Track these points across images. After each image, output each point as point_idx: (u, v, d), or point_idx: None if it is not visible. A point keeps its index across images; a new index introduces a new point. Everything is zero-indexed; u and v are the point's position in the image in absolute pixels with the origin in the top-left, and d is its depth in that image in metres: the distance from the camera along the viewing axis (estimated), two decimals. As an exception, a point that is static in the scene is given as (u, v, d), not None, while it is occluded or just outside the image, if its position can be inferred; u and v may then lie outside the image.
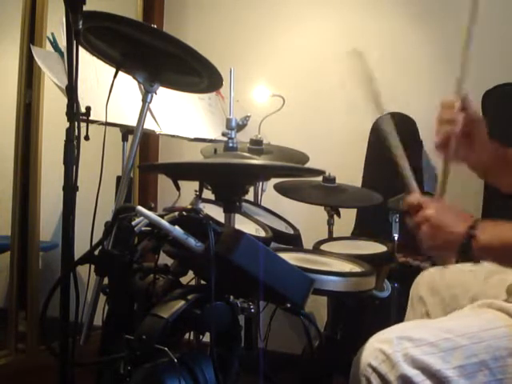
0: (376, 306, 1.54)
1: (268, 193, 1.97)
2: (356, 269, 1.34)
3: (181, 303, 0.88)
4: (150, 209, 0.91)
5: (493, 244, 0.93)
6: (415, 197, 1.05)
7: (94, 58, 1.35)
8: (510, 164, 1.15)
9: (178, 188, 1.26)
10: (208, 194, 1.27)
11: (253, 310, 0.97)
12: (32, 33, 2.01)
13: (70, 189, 1.10)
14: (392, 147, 1.14)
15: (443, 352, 0.86)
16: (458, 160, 1.15)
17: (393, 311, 1.59)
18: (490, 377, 0.86)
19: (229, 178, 1.17)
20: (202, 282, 1.07)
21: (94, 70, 1.68)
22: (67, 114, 1.11)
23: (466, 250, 0.94)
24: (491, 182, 1.19)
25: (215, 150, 1.44)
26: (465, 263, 1.12)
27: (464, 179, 1.27)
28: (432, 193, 1.82)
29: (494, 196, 1.29)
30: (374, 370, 0.85)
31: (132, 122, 1.63)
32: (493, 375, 0.86)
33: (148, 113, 1.45)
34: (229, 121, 1.30)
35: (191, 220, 0.90)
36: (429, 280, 1.26)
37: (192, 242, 0.88)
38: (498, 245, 0.93)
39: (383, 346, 0.86)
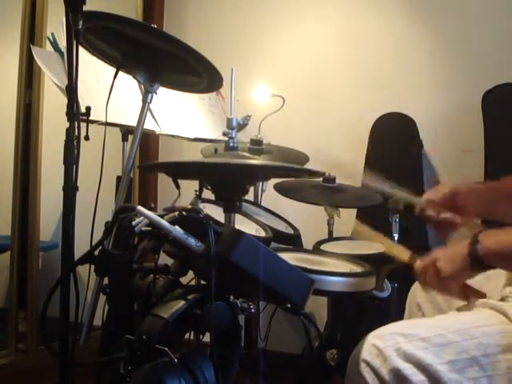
0: (376, 305, 1.54)
1: (268, 193, 1.97)
2: (356, 269, 1.34)
3: (181, 303, 0.88)
4: (150, 209, 0.91)
5: (499, 248, 0.94)
6: (421, 262, 1.06)
7: (94, 58, 1.35)
8: (505, 195, 1.16)
9: (178, 187, 1.26)
10: (208, 193, 1.27)
11: (253, 310, 0.97)
12: (32, 33, 2.01)
13: (70, 189, 1.10)
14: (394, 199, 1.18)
15: (435, 347, 0.87)
16: (464, 224, 1.19)
17: (393, 311, 1.59)
18: (481, 372, 0.87)
19: (229, 178, 1.17)
20: (202, 281, 1.06)
21: (94, 70, 1.68)
22: (67, 114, 1.11)
23: (476, 259, 0.95)
24: (497, 220, 1.21)
25: (215, 150, 1.44)
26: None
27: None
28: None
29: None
30: (368, 364, 0.87)
31: (132, 121, 1.63)
32: (483, 371, 0.87)
33: (148, 113, 1.45)
34: (230, 120, 1.30)
35: (191, 220, 0.90)
36: (425, 290, 1.27)
37: (192, 242, 0.88)
38: (504, 249, 0.94)
39: (376, 342, 0.88)
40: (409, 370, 0.85)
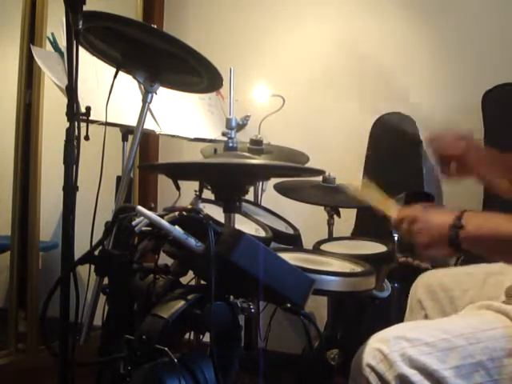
0: (376, 305, 1.54)
1: (268, 193, 1.97)
2: (356, 269, 1.34)
3: (181, 303, 0.88)
4: (150, 209, 0.91)
5: (480, 234, 0.93)
6: (401, 211, 1.06)
7: (94, 58, 1.35)
8: (509, 169, 1.16)
9: (178, 188, 1.26)
10: (208, 194, 1.27)
11: (253, 310, 0.97)
12: (32, 33, 2.01)
13: (70, 189, 1.10)
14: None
15: (440, 352, 0.86)
16: (461, 177, 1.19)
17: (393, 311, 1.59)
18: (487, 377, 0.87)
19: (229, 178, 1.17)
20: (202, 281, 1.06)
21: (94, 70, 1.68)
22: (67, 114, 1.11)
23: (455, 242, 0.94)
24: (496, 190, 1.21)
25: (215, 150, 1.44)
26: (463, 265, 1.12)
27: (464, 180, 1.28)
28: (431, 193, 1.83)
29: (493, 197, 1.29)
30: (373, 369, 0.86)
31: (132, 122, 1.63)
32: (489, 376, 0.87)
33: (148, 113, 1.45)
34: (229, 121, 1.30)
35: (191, 220, 0.90)
36: (427, 283, 1.27)
37: (192, 242, 0.88)
38: (485, 235, 0.93)
39: (381, 346, 0.87)
40: (415, 376, 0.84)
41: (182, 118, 1.98)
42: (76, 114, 1.10)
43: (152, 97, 1.36)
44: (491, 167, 1.17)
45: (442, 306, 1.20)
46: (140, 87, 1.79)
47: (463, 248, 0.94)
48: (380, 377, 0.85)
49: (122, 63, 1.32)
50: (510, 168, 1.16)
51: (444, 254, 1.00)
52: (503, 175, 1.17)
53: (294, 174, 1.47)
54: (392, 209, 1.12)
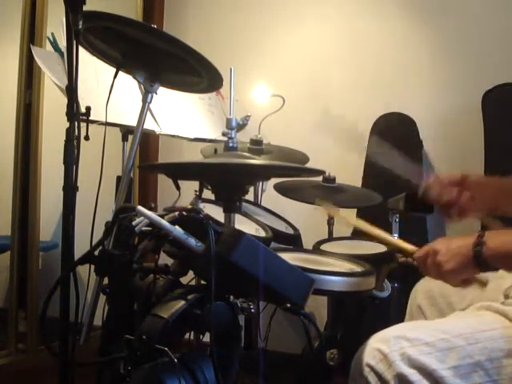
0: (376, 305, 1.54)
1: (268, 193, 1.97)
2: (356, 269, 1.34)
3: (181, 303, 0.88)
4: (150, 209, 0.91)
5: (503, 250, 0.94)
6: (417, 252, 1.06)
7: (94, 58, 1.35)
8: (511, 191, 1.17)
9: (178, 188, 1.26)
10: (208, 194, 1.27)
11: (253, 310, 0.97)
12: (32, 33, 2.01)
13: (70, 189, 1.10)
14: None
15: (439, 352, 0.87)
16: (465, 216, 1.19)
17: (393, 311, 1.59)
18: (485, 377, 0.87)
19: (229, 178, 1.17)
20: (202, 281, 1.06)
21: (94, 70, 1.68)
22: (67, 114, 1.11)
23: (480, 259, 0.94)
24: (500, 214, 1.21)
25: (215, 150, 1.44)
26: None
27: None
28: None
29: None
30: (372, 369, 0.86)
31: (132, 121, 1.63)
32: (488, 376, 0.87)
33: (148, 113, 1.45)
34: (229, 121, 1.30)
35: (191, 220, 0.90)
36: (426, 289, 1.27)
37: (192, 242, 0.88)
38: (508, 250, 0.94)
39: (381, 346, 0.87)
40: (414, 375, 0.84)
41: (182, 117, 1.98)
42: (76, 114, 1.10)
43: (152, 97, 1.36)
44: (496, 195, 1.18)
45: (441, 311, 1.20)
46: (140, 87, 1.79)
47: (490, 265, 0.95)
48: (379, 376, 0.85)
49: (122, 63, 1.32)
50: (510, 191, 1.17)
51: (473, 275, 1.00)
52: (504, 200, 1.18)
53: (294, 174, 1.47)
54: (404, 244, 1.14)
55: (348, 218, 1.33)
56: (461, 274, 1.00)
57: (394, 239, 1.19)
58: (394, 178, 1.27)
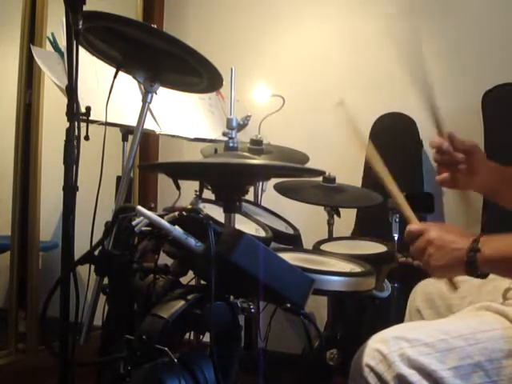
0: (376, 305, 1.54)
1: (268, 193, 1.97)
2: (356, 269, 1.34)
3: (181, 303, 0.88)
4: (150, 209, 0.91)
5: (498, 257, 0.93)
6: (414, 225, 1.05)
7: (94, 58, 1.35)
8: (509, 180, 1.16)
9: (178, 187, 1.26)
10: (208, 193, 1.27)
11: (253, 310, 0.97)
12: (32, 33, 2.01)
13: (70, 189, 1.10)
14: (383, 176, 1.15)
15: (439, 353, 0.86)
16: (463, 187, 1.19)
17: (393, 311, 1.59)
18: (485, 378, 0.86)
19: (229, 178, 1.17)
20: (202, 281, 1.06)
21: (94, 70, 1.68)
22: (67, 114, 1.11)
23: (472, 265, 0.94)
24: (495, 201, 1.21)
25: (215, 150, 1.44)
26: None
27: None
28: (431, 193, 1.82)
29: (493, 207, 1.30)
30: (372, 369, 0.86)
31: (132, 121, 1.63)
32: (488, 377, 0.87)
33: (148, 113, 1.45)
34: (229, 120, 1.30)
35: (191, 220, 0.90)
36: (425, 291, 1.26)
37: (192, 242, 0.88)
38: (503, 258, 0.93)
39: (380, 347, 0.87)
40: (413, 376, 0.84)
41: (182, 117, 1.98)
42: (76, 114, 1.10)
43: (152, 97, 1.36)
44: (495, 178, 1.17)
45: (440, 313, 1.20)
46: (140, 87, 1.79)
47: (480, 272, 0.94)
48: (379, 377, 0.85)
49: (122, 63, 1.32)
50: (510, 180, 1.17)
51: (458, 276, 1.00)
52: (503, 186, 1.17)
53: (294, 174, 1.47)
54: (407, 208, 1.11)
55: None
56: (448, 273, 1.00)
57: (403, 203, 1.14)
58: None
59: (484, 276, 0.96)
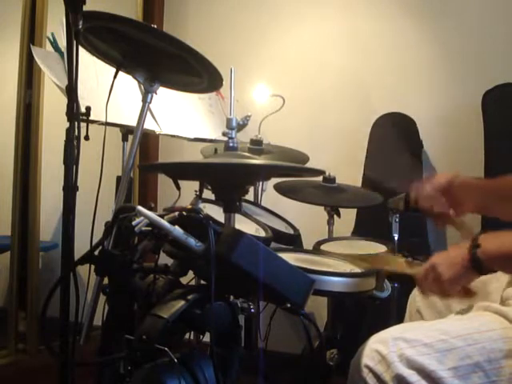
0: (376, 306, 1.54)
1: (268, 193, 1.97)
2: (356, 269, 1.34)
3: (181, 303, 0.88)
4: (150, 209, 0.91)
5: (499, 251, 0.94)
6: (418, 269, 1.06)
7: (94, 58, 1.35)
8: (503, 193, 1.16)
9: (179, 187, 1.26)
10: (208, 193, 1.27)
11: (253, 310, 0.97)
12: (32, 33, 2.01)
13: (69, 189, 1.10)
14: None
15: (438, 353, 0.87)
16: (459, 217, 1.20)
17: (393, 311, 1.59)
18: (485, 378, 0.87)
19: (229, 178, 1.17)
20: (202, 281, 1.06)
21: (94, 70, 1.68)
22: (67, 113, 1.10)
23: (477, 262, 0.94)
24: (492, 216, 1.21)
25: (215, 150, 1.44)
26: None
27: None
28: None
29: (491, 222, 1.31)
30: (371, 370, 0.86)
31: (132, 121, 1.63)
32: (487, 377, 0.87)
33: (148, 113, 1.45)
34: (229, 120, 1.30)
35: (191, 220, 0.90)
36: (424, 296, 1.27)
37: (192, 242, 0.88)
38: (504, 252, 0.94)
39: (379, 347, 0.87)
40: (412, 376, 0.84)
41: (182, 118, 1.98)
42: (76, 114, 1.10)
43: (152, 97, 1.36)
44: (485, 196, 1.18)
45: (440, 313, 1.20)
46: (140, 87, 1.79)
47: (486, 267, 0.95)
48: (378, 377, 0.85)
49: (122, 63, 1.32)
50: (501, 192, 1.17)
51: (471, 280, 1.00)
52: (494, 202, 1.17)
53: (294, 173, 1.47)
54: (403, 266, 1.13)
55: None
56: (460, 280, 0.99)
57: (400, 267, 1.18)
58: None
59: (492, 272, 0.97)
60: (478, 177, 1.21)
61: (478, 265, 0.95)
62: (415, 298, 1.28)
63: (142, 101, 1.37)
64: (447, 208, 1.18)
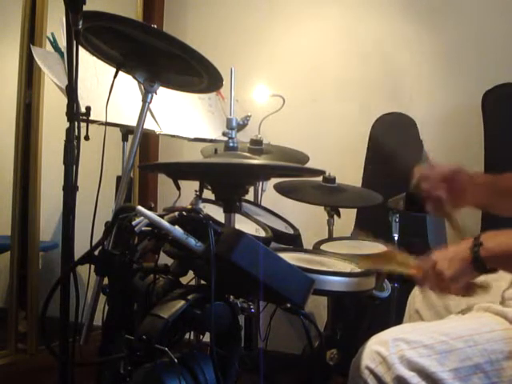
0: (376, 306, 1.54)
1: (268, 193, 1.97)
2: (356, 269, 1.34)
3: (181, 303, 0.88)
4: (150, 209, 0.91)
5: (501, 250, 0.93)
6: (418, 266, 1.05)
7: (94, 58, 1.35)
8: (503, 190, 1.16)
9: (179, 188, 1.26)
10: (208, 193, 1.27)
11: (253, 310, 0.97)
12: (32, 33, 2.01)
13: (69, 189, 1.10)
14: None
15: (439, 354, 0.86)
16: (456, 208, 1.19)
17: (393, 311, 1.59)
18: (485, 380, 0.86)
19: (229, 178, 1.17)
20: (202, 281, 1.06)
21: (94, 70, 1.68)
22: (67, 114, 1.10)
23: (478, 260, 0.94)
24: (493, 213, 1.21)
25: (215, 150, 1.44)
26: None
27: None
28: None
29: (492, 219, 1.31)
30: (371, 371, 0.86)
31: (132, 121, 1.63)
32: (488, 378, 0.86)
33: (148, 113, 1.45)
34: (229, 120, 1.30)
35: (191, 220, 0.90)
36: (424, 293, 1.26)
37: (192, 242, 0.88)
38: (506, 251, 0.93)
39: (380, 349, 0.87)
40: (413, 378, 0.84)
41: (182, 118, 1.98)
42: (76, 114, 1.10)
43: (152, 97, 1.36)
44: (486, 192, 1.18)
45: (438, 314, 1.20)
46: (140, 87, 1.79)
47: (488, 266, 0.94)
48: (379, 379, 0.85)
49: (122, 63, 1.32)
50: (503, 189, 1.17)
51: (471, 279, 1.00)
52: (496, 199, 1.17)
53: (294, 174, 1.47)
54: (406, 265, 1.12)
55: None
56: (461, 278, 0.99)
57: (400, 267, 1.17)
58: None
59: (494, 271, 0.96)
60: (481, 172, 1.21)
61: (480, 263, 0.94)
62: (414, 298, 1.28)
63: (142, 101, 1.37)
64: (446, 195, 1.17)
